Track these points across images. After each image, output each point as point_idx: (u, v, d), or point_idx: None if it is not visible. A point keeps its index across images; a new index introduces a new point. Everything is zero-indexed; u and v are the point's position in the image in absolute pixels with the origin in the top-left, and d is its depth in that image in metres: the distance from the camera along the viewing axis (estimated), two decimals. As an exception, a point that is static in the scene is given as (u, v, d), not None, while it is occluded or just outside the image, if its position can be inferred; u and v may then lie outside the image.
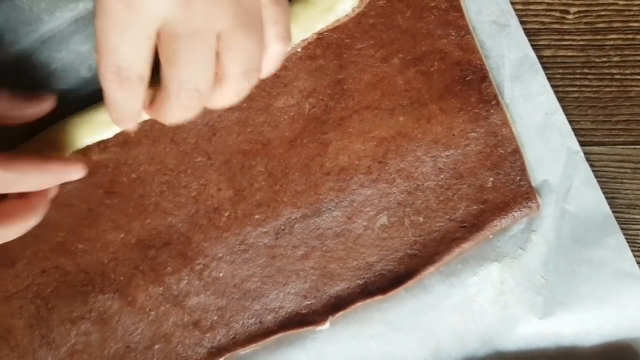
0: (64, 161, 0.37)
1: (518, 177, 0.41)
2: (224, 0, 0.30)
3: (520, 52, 0.42)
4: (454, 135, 0.41)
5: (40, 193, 0.37)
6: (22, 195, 0.36)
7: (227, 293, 0.41)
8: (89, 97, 0.40)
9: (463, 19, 0.41)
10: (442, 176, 0.41)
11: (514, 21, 0.42)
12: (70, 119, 0.40)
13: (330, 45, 0.41)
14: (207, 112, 0.41)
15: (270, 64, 0.34)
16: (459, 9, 0.41)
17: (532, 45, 0.42)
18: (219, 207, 0.41)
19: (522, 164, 0.41)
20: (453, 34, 0.41)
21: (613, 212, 0.42)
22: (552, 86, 0.42)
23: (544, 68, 0.42)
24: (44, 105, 0.38)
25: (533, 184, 0.42)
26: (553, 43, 0.43)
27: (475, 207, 0.41)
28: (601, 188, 0.42)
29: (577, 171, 0.42)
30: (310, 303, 0.41)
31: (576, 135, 0.42)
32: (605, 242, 0.41)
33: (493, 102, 0.41)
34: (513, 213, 0.41)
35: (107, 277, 0.41)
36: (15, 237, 0.36)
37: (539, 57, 0.42)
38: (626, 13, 0.43)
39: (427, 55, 0.41)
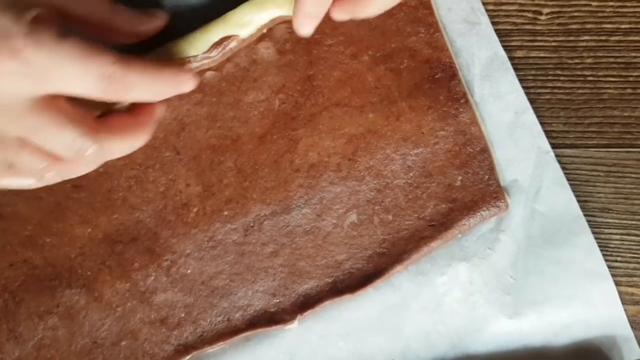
0: (178, 69, 0.37)
1: (487, 177, 0.41)
2: None
3: (490, 51, 0.42)
4: (423, 133, 0.41)
5: (149, 111, 0.37)
6: (130, 112, 0.37)
7: (194, 290, 0.41)
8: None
9: (433, 16, 0.41)
10: (411, 174, 0.41)
11: (485, 19, 0.41)
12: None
13: (300, 41, 0.41)
14: (175, 107, 0.41)
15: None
16: (428, 6, 0.41)
17: (504, 46, 0.42)
18: (188, 202, 0.41)
19: (491, 163, 0.41)
20: (422, 31, 0.41)
21: (585, 215, 0.42)
22: (524, 87, 0.42)
23: (516, 69, 0.42)
24: (157, 22, 0.39)
25: (502, 184, 0.41)
26: (525, 44, 0.43)
27: (444, 206, 0.41)
28: (573, 191, 0.42)
29: (547, 171, 0.41)
30: (279, 301, 0.41)
31: (548, 137, 0.42)
32: (574, 242, 0.41)
33: (462, 101, 0.41)
34: (481, 212, 0.41)
35: (75, 271, 0.41)
36: (121, 155, 0.36)
37: (511, 58, 0.42)
38: (599, 14, 0.42)
39: (396, 52, 0.41)
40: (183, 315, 0.41)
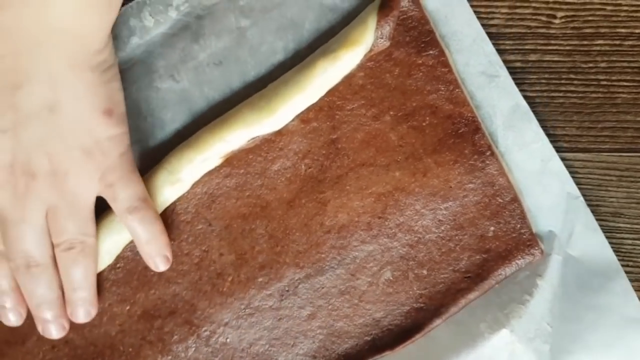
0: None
1: (519, 225, 0.41)
2: None
3: (511, 101, 0.42)
4: (451, 187, 0.41)
5: None
6: None
7: (235, 358, 0.41)
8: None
9: (451, 73, 0.41)
10: (442, 228, 0.41)
11: (503, 72, 0.42)
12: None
13: (322, 108, 0.41)
14: (205, 181, 0.41)
15: None
16: (446, 64, 0.41)
17: (518, 50, 0.42)
18: (222, 272, 0.41)
19: (522, 211, 0.41)
20: (442, 88, 0.41)
21: (597, 219, 0.41)
22: (537, 91, 0.42)
23: (529, 72, 0.42)
24: None
25: (535, 231, 0.41)
26: (539, 48, 0.42)
27: (478, 257, 0.41)
28: (585, 195, 0.41)
29: (578, 216, 0.41)
30: (320, 362, 0.41)
31: (561, 141, 0.42)
32: (610, 287, 0.41)
33: (487, 153, 0.41)
34: (517, 261, 0.41)
35: (116, 349, 0.41)
36: None
37: (525, 62, 0.42)
38: (614, 19, 0.42)
39: (417, 110, 0.41)
40: (226, 383, 0.41)
